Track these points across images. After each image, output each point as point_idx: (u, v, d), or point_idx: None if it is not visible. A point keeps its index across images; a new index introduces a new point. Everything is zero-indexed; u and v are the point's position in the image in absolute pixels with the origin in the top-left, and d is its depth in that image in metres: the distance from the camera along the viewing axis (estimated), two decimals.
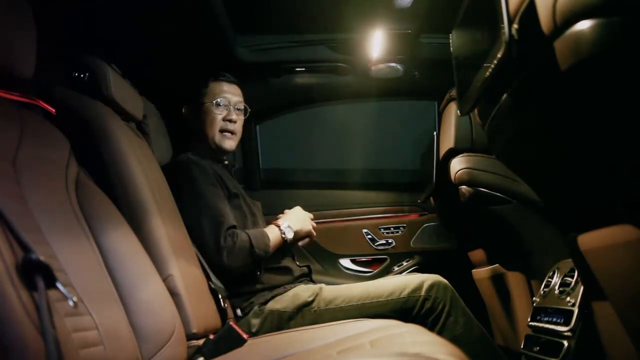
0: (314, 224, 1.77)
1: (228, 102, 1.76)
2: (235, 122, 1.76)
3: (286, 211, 1.78)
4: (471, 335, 1.50)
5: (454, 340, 1.41)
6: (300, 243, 1.75)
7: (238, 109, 1.78)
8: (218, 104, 1.74)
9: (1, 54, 0.86)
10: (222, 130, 1.74)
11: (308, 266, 1.77)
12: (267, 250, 1.58)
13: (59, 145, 1.03)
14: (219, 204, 1.57)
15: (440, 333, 1.46)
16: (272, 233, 1.64)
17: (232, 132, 1.76)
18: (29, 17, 0.94)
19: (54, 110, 1.14)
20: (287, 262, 1.69)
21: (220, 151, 1.77)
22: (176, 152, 1.84)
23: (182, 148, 1.76)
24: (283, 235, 1.65)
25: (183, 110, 1.81)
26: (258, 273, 1.59)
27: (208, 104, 1.74)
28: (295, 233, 1.69)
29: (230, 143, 1.76)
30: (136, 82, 1.54)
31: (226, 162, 1.83)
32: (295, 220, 1.71)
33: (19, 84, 0.95)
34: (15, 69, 0.89)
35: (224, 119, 1.74)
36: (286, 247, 1.70)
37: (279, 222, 1.69)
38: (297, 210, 1.78)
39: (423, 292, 1.50)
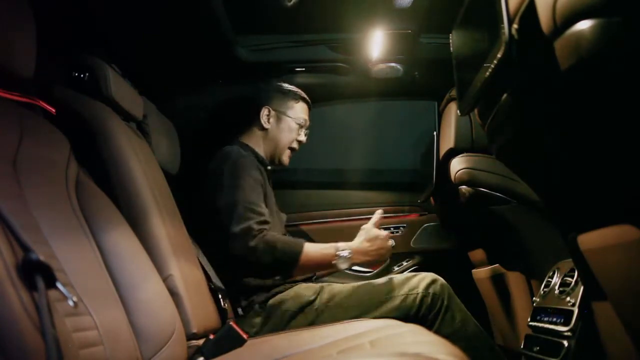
0: (391, 245, 1.59)
1: (304, 124, 1.87)
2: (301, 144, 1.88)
3: (363, 231, 1.59)
4: (468, 330, 1.52)
5: (453, 334, 1.45)
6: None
7: (305, 134, 1.90)
8: (301, 126, 1.86)
9: (1, 54, 0.86)
10: (290, 148, 1.86)
11: None
12: (294, 259, 1.48)
13: (59, 145, 1.03)
14: (259, 198, 1.59)
15: (439, 328, 1.49)
16: (321, 250, 1.53)
17: (294, 151, 1.88)
18: (29, 17, 0.94)
19: (54, 110, 1.13)
20: None
21: (278, 163, 1.86)
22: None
23: (228, 141, 1.79)
24: (334, 262, 1.51)
25: (261, 110, 1.83)
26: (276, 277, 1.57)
27: (294, 120, 1.84)
28: (353, 264, 1.55)
29: (288, 160, 1.88)
30: (136, 82, 1.54)
31: (269, 168, 1.83)
32: (364, 253, 1.55)
33: (19, 84, 0.95)
34: (15, 69, 0.89)
35: (296, 139, 1.86)
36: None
37: (341, 245, 1.54)
38: (377, 240, 1.57)
39: (421, 289, 1.52)
